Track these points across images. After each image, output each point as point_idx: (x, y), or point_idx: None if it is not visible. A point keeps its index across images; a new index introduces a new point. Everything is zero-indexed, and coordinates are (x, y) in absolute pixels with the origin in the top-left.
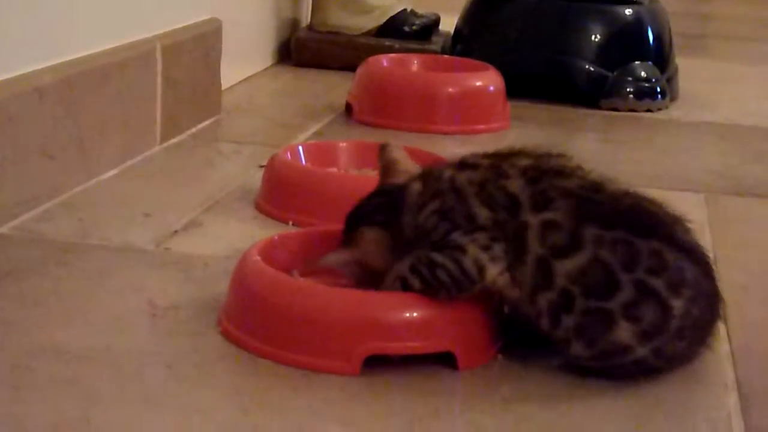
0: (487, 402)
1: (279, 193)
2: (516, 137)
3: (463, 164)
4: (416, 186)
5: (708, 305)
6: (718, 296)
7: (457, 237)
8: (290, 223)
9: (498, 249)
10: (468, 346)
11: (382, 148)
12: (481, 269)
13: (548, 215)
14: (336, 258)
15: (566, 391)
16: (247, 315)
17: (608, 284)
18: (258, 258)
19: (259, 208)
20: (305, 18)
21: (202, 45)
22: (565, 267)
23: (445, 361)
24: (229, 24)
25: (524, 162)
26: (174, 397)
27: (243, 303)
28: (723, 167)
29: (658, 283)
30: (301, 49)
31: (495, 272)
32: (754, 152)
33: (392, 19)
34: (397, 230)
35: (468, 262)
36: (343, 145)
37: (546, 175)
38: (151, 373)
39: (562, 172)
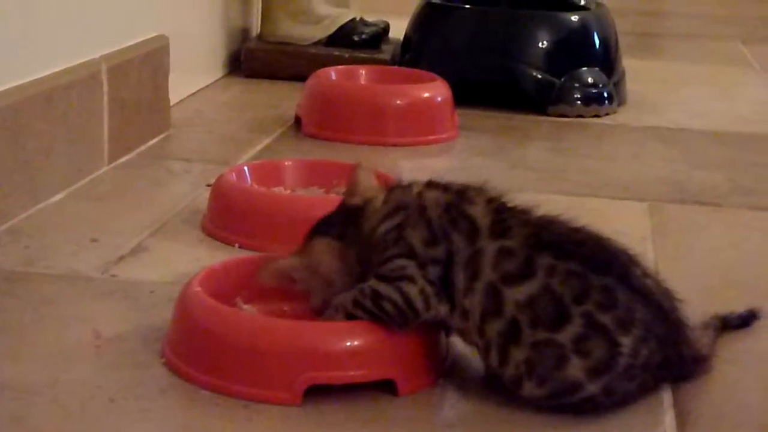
0: (428, 428)
1: (224, 215)
2: (464, 147)
3: (431, 183)
4: (380, 197)
5: (659, 348)
6: (674, 342)
7: (409, 267)
8: (236, 245)
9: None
10: (408, 373)
11: (353, 169)
12: (426, 300)
13: (504, 242)
14: (287, 263)
15: (505, 414)
16: (189, 346)
17: (558, 316)
18: (199, 289)
19: (206, 230)
20: (255, 28)
21: (149, 63)
22: (514, 295)
23: (386, 387)
24: (177, 37)
25: (490, 195)
26: None
27: (184, 334)
28: (668, 173)
29: (606, 319)
30: (251, 60)
31: (439, 304)
32: (700, 158)
33: (341, 28)
34: (354, 243)
35: (414, 293)
36: (288, 163)
37: (507, 207)
38: (93, 408)
39: (523, 208)
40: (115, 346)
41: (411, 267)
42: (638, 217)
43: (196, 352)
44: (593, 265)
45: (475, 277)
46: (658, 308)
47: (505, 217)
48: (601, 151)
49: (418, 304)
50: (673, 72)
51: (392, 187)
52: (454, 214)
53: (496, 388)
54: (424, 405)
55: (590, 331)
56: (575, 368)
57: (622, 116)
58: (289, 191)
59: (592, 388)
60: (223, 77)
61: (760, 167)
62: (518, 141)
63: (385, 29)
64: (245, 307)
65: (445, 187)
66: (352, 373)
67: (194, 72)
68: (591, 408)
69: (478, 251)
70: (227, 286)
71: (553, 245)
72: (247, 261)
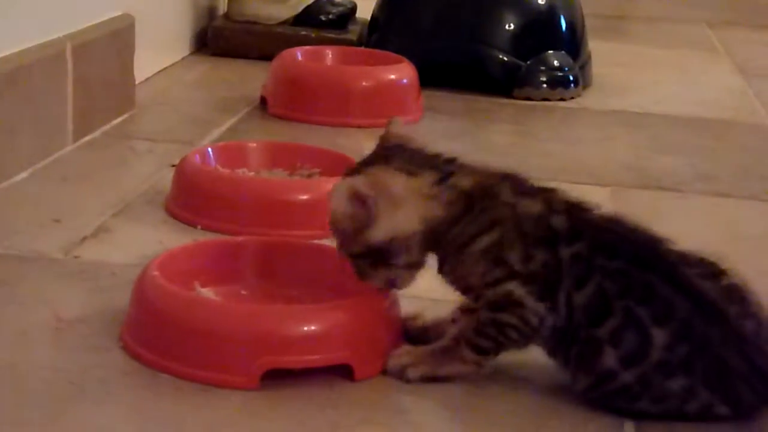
0: (384, 413)
1: (187, 196)
2: (429, 129)
3: (516, 184)
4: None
5: (710, 352)
6: (739, 351)
7: (516, 290)
8: (198, 227)
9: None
10: (365, 357)
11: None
12: (541, 319)
13: (576, 247)
14: (356, 179)
15: (464, 399)
16: (147, 330)
17: (604, 312)
18: (156, 273)
19: (169, 211)
20: (222, 7)
21: (114, 42)
22: (579, 299)
23: (344, 371)
24: (143, 15)
25: (568, 200)
26: (76, 416)
27: (143, 318)
28: (631, 159)
29: (642, 312)
30: (217, 39)
31: (551, 320)
32: (663, 143)
33: (309, 8)
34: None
35: (530, 316)
36: (253, 145)
37: (579, 209)
38: (54, 391)
39: (587, 206)
40: (76, 328)
41: (517, 288)
42: (600, 203)
43: (154, 336)
44: (638, 262)
45: (558, 286)
46: (713, 310)
47: (577, 221)
48: (565, 135)
49: (534, 322)
50: (640, 56)
51: (479, 189)
52: (543, 230)
53: None
54: (380, 389)
55: (626, 322)
56: (609, 356)
57: (587, 100)
58: (253, 173)
59: (627, 377)
60: (189, 56)
61: (722, 153)
62: (483, 124)
63: (353, 9)
64: (203, 291)
65: (531, 192)
66: (308, 357)
67: (160, 51)
68: (629, 399)
69: (559, 260)
70: (186, 269)
71: (608, 246)
72: (205, 245)
